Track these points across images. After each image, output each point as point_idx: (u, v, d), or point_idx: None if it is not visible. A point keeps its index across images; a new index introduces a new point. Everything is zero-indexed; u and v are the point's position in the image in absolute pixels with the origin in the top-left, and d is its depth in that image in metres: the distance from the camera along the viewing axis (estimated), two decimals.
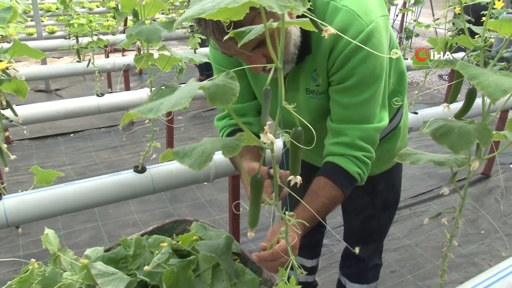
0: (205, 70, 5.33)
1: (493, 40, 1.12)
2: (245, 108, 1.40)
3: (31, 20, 5.28)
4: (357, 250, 1.01)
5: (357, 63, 1.12)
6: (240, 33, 0.75)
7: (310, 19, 0.67)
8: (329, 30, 0.66)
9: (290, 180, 0.81)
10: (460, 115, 0.93)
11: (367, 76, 1.14)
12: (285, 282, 0.83)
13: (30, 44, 1.44)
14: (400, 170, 1.68)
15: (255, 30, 0.73)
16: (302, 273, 0.96)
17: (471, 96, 0.89)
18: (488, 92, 0.61)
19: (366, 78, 1.15)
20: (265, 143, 0.70)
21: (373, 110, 1.20)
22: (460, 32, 2.60)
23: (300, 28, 1.12)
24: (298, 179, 0.81)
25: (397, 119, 1.48)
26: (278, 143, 1.79)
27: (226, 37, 0.76)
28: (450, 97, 0.94)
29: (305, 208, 1.10)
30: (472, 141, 0.74)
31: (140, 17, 1.51)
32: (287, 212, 0.88)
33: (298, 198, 0.91)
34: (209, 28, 1.03)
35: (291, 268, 1.00)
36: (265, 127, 0.70)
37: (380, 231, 1.73)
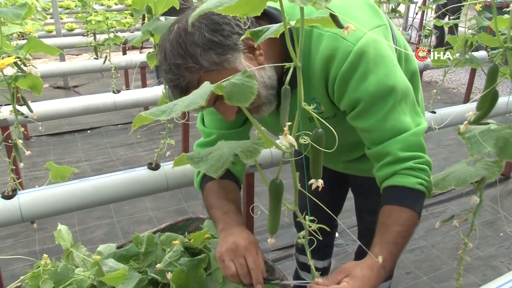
0: None
1: None
2: (232, 135, 1.31)
3: (51, 18, 5.35)
4: (380, 259, 0.95)
5: (356, 84, 1.06)
6: (257, 32, 0.74)
7: (331, 15, 0.65)
8: (350, 27, 0.63)
9: (311, 184, 0.78)
10: (480, 118, 0.89)
11: (376, 91, 1.07)
12: None
13: (49, 41, 1.45)
14: None
15: (272, 29, 0.72)
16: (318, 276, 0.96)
17: (493, 99, 0.86)
18: None
19: (376, 94, 1.07)
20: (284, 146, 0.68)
21: (401, 120, 1.11)
22: (481, 30, 2.54)
23: (277, 66, 1.09)
24: (320, 182, 0.77)
25: None
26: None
27: (243, 37, 0.79)
28: (480, 105, 0.89)
29: (381, 245, 1.04)
30: None
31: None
32: (307, 217, 0.85)
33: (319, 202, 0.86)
34: (169, 88, 1.05)
35: (308, 271, 0.99)
36: (284, 128, 0.67)
37: None
